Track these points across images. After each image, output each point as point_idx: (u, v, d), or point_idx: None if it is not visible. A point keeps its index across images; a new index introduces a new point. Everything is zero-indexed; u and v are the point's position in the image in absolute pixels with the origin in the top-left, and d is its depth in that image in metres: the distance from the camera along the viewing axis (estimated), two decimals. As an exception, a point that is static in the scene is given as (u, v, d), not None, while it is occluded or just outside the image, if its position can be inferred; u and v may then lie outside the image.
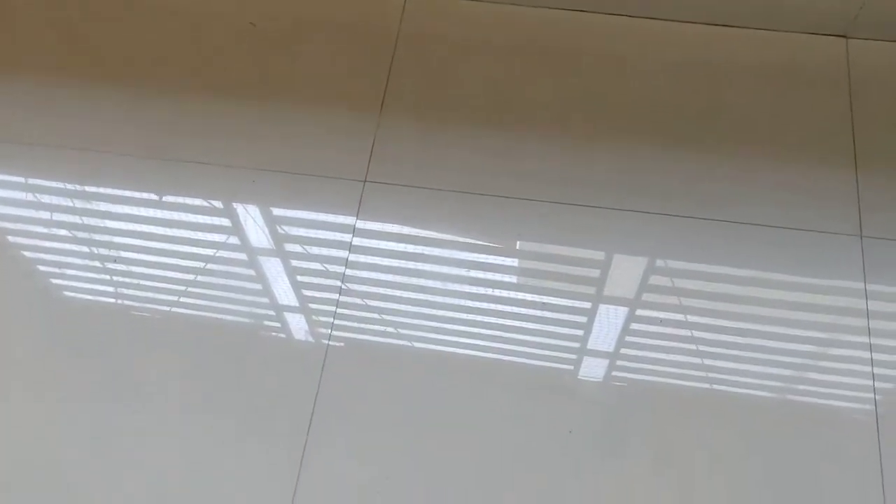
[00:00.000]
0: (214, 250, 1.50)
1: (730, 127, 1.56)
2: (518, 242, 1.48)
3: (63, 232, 1.54)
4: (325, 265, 1.47)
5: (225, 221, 1.53)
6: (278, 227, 1.52)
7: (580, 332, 1.42)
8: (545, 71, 1.62)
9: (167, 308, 1.45)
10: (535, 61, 1.63)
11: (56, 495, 1.31)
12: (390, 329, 1.41)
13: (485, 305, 1.43)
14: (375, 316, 1.42)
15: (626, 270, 1.45)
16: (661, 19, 1.65)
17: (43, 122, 1.63)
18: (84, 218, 1.55)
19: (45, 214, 1.56)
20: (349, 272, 1.45)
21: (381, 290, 1.44)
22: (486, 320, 1.41)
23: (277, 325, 1.44)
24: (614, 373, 1.39)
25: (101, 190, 1.57)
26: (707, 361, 1.38)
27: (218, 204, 1.54)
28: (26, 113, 1.64)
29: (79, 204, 1.56)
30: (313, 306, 1.44)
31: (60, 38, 1.71)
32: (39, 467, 1.33)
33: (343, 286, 1.44)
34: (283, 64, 1.65)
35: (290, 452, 1.32)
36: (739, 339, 1.39)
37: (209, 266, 1.49)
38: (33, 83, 1.67)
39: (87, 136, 1.60)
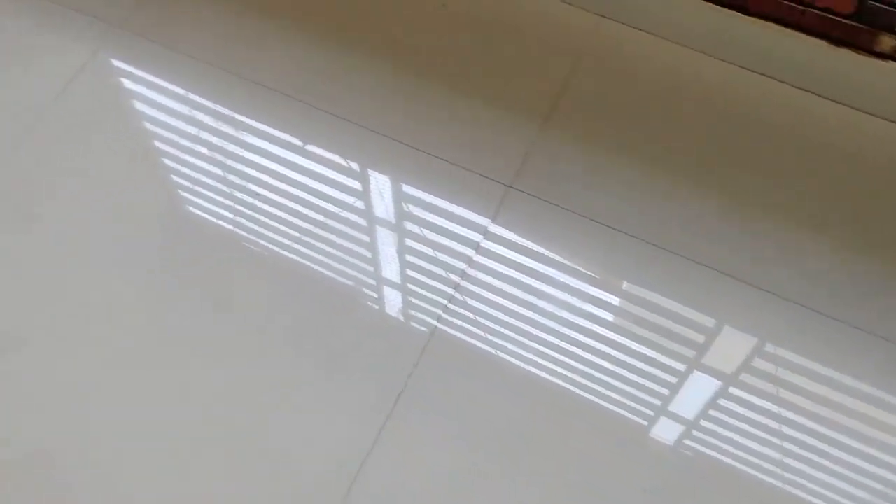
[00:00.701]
0: (339, 209, 1.53)
1: None
2: (625, 283, 1.47)
3: (204, 150, 1.60)
4: (448, 257, 1.48)
5: (356, 184, 1.56)
6: (406, 205, 1.54)
7: (665, 392, 1.40)
8: (708, 123, 1.60)
9: (277, 249, 1.49)
10: (705, 111, 1.62)
11: (144, 396, 1.36)
12: (493, 337, 1.42)
13: (585, 339, 1.42)
14: (483, 320, 1.43)
15: (732, 345, 1.43)
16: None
17: (220, 44, 1.69)
18: (227, 143, 1.60)
19: (192, 129, 1.62)
20: (470, 271, 1.47)
21: (495, 298, 1.44)
22: (581, 354, 1.41)
23: (379, 297, 1.46)
24: (687, 441, 1.37)
25: (251, 122, 1.62)
26: (787, 460, 1.35)
27: (355, 166, 1.57)
28: (210, 34, 1.71)
29: (226, 129, 1.61)
30: (424, 292, 1.45)
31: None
32: (131, 371, 1.39)
33: (461, 282, 1.45)
34: (463, 49, 1.67)
35: (370, 421, 1.34)
36: (829, 449, 1.35)
37: (329, 221, 1.52)
38: (233, 10, 1.74)
39: (258, 68, 1.66)
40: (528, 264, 1.48)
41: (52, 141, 1.60)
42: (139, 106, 1.65)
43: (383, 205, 1.54)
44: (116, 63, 1.70)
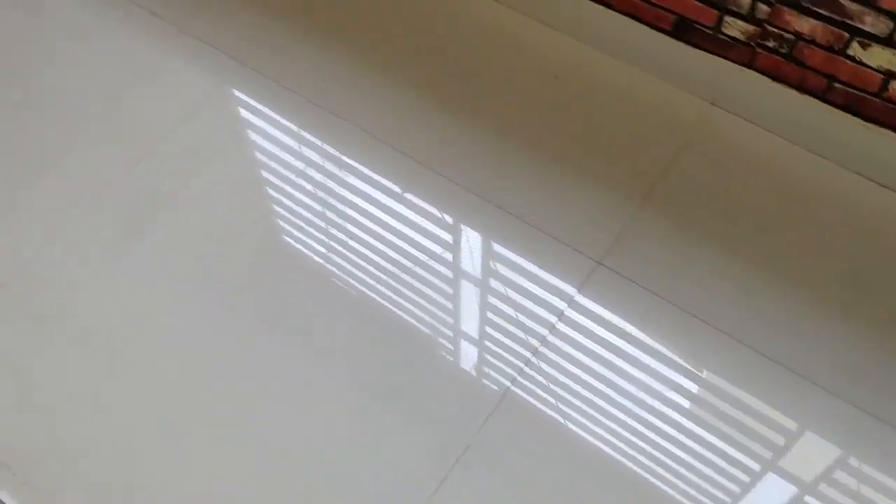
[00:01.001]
0: (428, 257, 1.55)
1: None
2: (706, 372, 1.44)
3: (307, 185, 1.65)
4: (530, 320, 1.48)
5: (447, 236, 1.58)
6: (494, 263, 1.55)
7: (737, 490, 1.35)
8: (814, 227, 1.58)
9: (363, 288, 1.51)
10: (807, 213, 1.59)
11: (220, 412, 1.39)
12: (565, 407, 1.40)
13: (658, 423, 1.39)
14: (557, 388, 1.41)
15: (813, 452, 1.37)
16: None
17: (337, 90, 1.76)
18: (329, 181, 1.65)
19: (299, 164, 1.67)
20: (551, 338, 1.46)
21: (572, 368, 1.43)
22: (653, 437, 1.37)
23: (456, 349, 1.46)
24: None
25: (355, 164, 1.67)
26: (861, 583, 1.27)
27: (449, 219, 1.60)
28: (331, 81, 1.78)
29: (331, 167, 1.67)
30: (501, 351, 1.45)
31: (382, 36, 1.86)
32: (207, 388, 1.42)
33: (540, 348, 1.45)
34: (570, 120, 1.70)
35: (435, 468, 1.33)
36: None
37: (417, 269, 1.54)
38: (354, 61, 1.82)
39: (369, 117, 1.72)
40: (610, 339, 1.46)
41: (169, 160, 1.68)
42: (253, 136, 1.72)
43: (471, 260, 1.56)
44: (238, 94, 1.78)
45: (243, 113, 1.76)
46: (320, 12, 1.90)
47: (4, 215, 1.62)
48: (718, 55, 1.63)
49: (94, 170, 1.68)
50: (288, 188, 1.65)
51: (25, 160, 1.70)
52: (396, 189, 1.64)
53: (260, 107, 1.76)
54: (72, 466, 1.34)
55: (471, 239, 1.58)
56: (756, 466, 1.36)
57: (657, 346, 1.45)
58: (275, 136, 1.72)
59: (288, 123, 1.73)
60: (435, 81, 1.77)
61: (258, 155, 1.70)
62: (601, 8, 1.72)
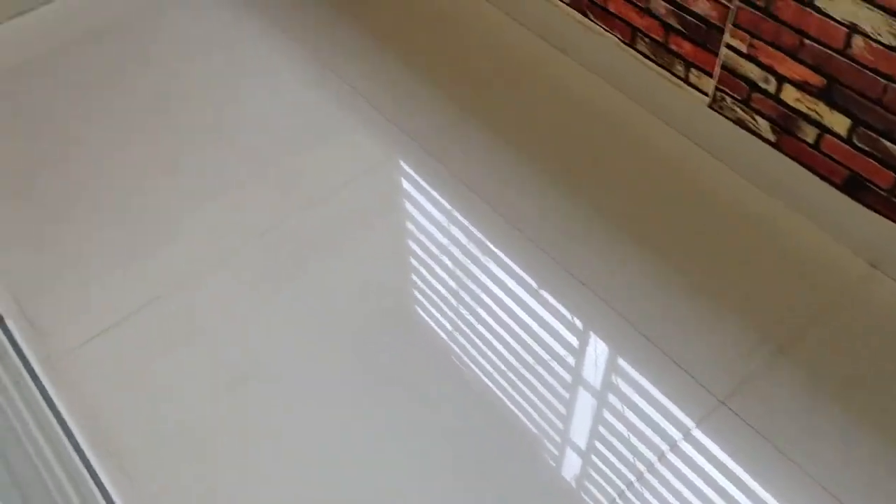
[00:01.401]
0: (550, 357, 1.55)
1: None
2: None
3: (447, 262, 1.70)
4: (641, 443, 1.44)
5: (574, 341, 1.58)
6: (615, 377, 1.53)
7: None
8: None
9: (480, 374, 1.53)
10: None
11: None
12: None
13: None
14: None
15: None
16: None
17: (495, 183, 1.83)
18: (470, 263, 1.69)
19: (444, 240, 1.73)
20: (659, 465, 1.42)
21: (674, 502, 1.38)
22: None
23: (560, 456, 1.44)
24: None
25: (498, 251, 1.71)
26: None
27: (579, 324, 1.60)
28: (495, 176, 1.86)
29: (474, 250, 1.71)
30: (606, 469, 1.42)
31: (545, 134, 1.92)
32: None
33: (645, 473, 1.41)
34: (720, 249, 1.69)
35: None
36: None
37: (537, 366, 1.54)
38: (521, 163, 1.89)
39: (519, 214, 1.77)
40: (718, 481, 1.40)
41: (326, 218, 1.78)
42: (407, 206, 1.80)
43: (594, 369, 1.54)
44: (402, 166, 1.87)
45: (403, 184, 1.84)
46: (499, 110, 1.99)
47: (174, 236, 1.76)
48: (889, 218, 1.58)
49: (255, 209, 1.79)
50: (429, 261, 1.70)
51: (198, 183, 1.84)
52: (532, 284, 1.66)
53: (419, 180, 1.84)
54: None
55: (597, 348, 1.57)
56: None
57: (768, 499, 1.38)
58: (427, 210, 1.79)
59: (442, 201, 1.80)
60: (596, 194, 1.80)
61: (408, 224, 1.77)
62: (772, 150, 1.71)
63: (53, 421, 1.43)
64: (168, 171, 1.88)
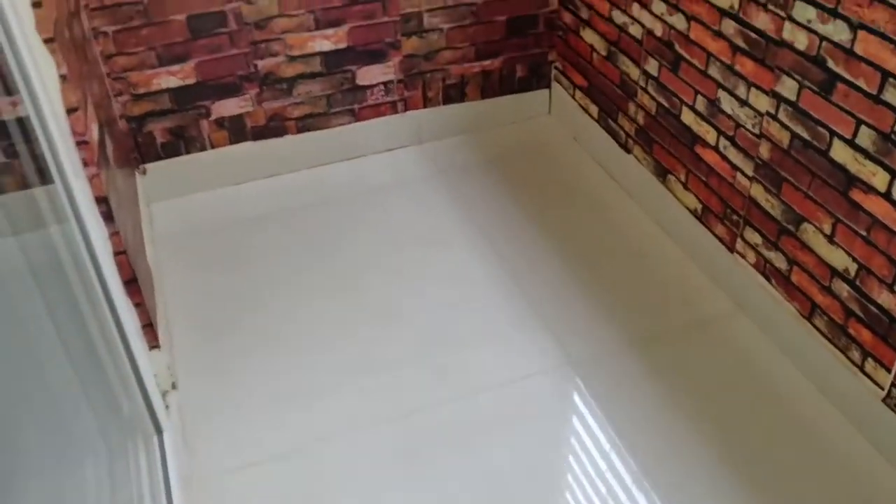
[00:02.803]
0: None
1: None
2: None
3: (601, 486, 1.68)
4: None
5: None
6: None
7: None
8: None
9: None
10: None
11: None
12: None
13: None
14: None
15: None
16: None
17: (650, 424, 1.82)
18: (620, 489, 1.67)
19: (603, 464, 1.73)
20: None
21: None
22: None
23: None
24: None
25: (648, 485, 1.67)
26: None
27: None
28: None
29: (626, 478, 1.69)
30: None
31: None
32: None
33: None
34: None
35: None
36: None
37: None
38: (683, 423, 1.88)
39: (667, 456, 1.74)
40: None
41: (482, 420, 1.84)
42: (563, 422, 1.82)
43: None
44: (569, 392, 1.92)
45: (575, 397, 1.88)
46: (671, 368, 2.00)
47: (332, 394, 1.90)
48: None
49: (409, 388, 1.90)
50: (581, 478, 1.69)
51: (366, 352, 1.99)
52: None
53: (581, 400, 1.87)
54: None
55: None
56: None
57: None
58: (592, 429, 1.80)
59: (606, 425, 1.80)
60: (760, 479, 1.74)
61: (571, 440, 1.78)
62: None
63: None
64: (345, 335, 2.05)
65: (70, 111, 1.49)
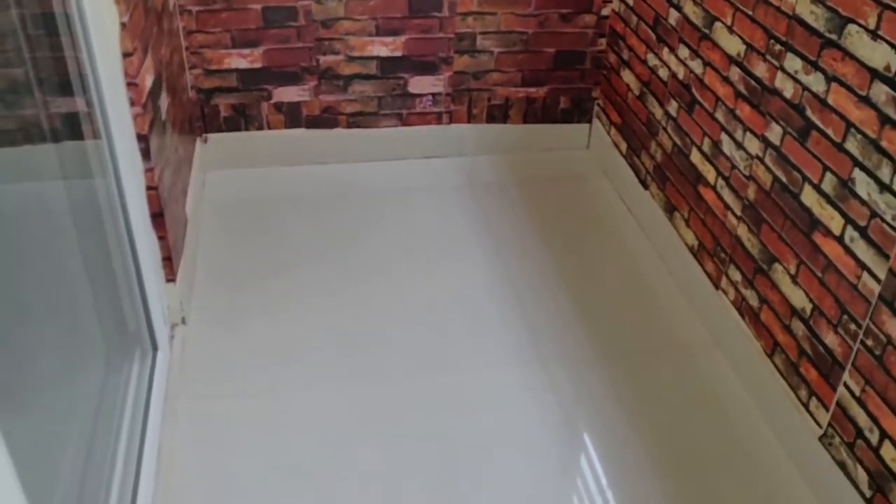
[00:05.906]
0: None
1: None
2: None
3: None
4: None
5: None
6: None
7: None
8: None
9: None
10: None
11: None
12: None
13: None
14: None
15: None
16: None
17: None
18: None
19: None
20: None
21: None
22: None
23: None
24: None
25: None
26: None
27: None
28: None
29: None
30: None
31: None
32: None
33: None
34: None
35: None
36: None
37: None
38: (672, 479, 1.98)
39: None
40: None
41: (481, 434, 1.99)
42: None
43: None
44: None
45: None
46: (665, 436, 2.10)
47: (304, 356, 2.08)
48: None
49: (392, 362, 2.06)
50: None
51: (354, 335, 2.17)
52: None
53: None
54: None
55: None
56: None
57: None
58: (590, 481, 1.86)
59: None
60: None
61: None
62: (866, 506, 1.62)
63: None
64: (346, 312, 2.24)
65: (125, 55, 1.74)
